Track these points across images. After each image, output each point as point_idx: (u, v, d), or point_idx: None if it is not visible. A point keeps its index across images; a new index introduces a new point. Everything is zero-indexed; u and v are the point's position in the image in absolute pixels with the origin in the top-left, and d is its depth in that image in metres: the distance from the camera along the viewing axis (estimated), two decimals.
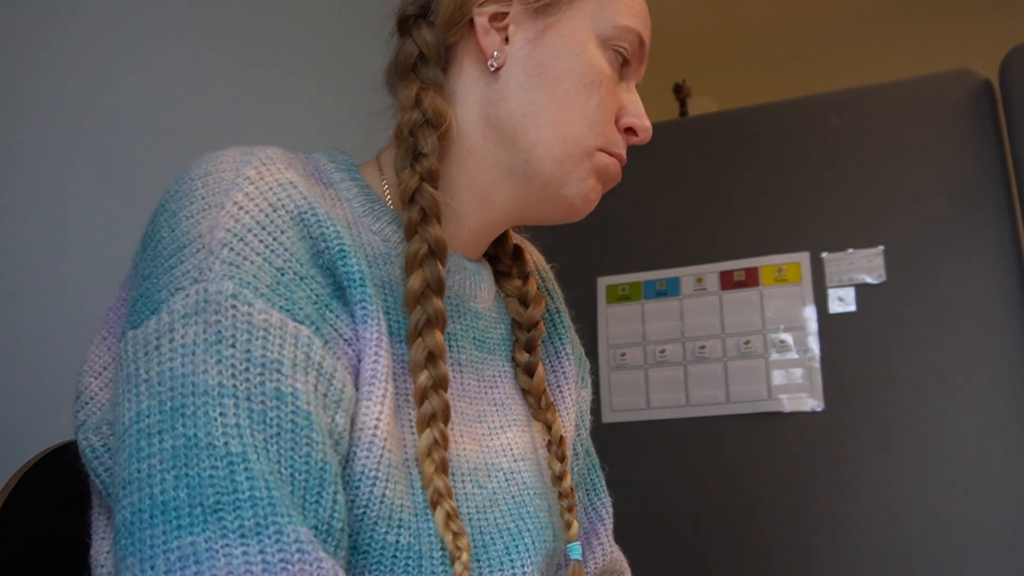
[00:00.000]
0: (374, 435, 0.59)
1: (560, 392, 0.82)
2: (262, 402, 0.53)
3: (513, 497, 0.69)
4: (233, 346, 0.54)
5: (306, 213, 0.60)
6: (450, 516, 0.61)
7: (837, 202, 1.81)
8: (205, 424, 0.52)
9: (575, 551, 0.73)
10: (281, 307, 0.56)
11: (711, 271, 1.87)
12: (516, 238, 0.84)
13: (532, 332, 0.77)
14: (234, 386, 0.53)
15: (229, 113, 1.35)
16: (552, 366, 0.83)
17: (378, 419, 0.59)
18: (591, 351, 1.92)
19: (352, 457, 0.58)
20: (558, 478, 0.75)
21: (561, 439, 0.76)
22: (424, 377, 0.63)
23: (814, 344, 1.76)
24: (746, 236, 1.87)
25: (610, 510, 0.87)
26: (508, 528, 0.67)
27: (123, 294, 0.64)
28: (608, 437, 1.88)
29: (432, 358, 0.64)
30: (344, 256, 0.61)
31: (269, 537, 0.50)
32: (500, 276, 0.80)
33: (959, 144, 1.74)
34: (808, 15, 3.10)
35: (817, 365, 1.75)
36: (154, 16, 1.22)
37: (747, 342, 1.81)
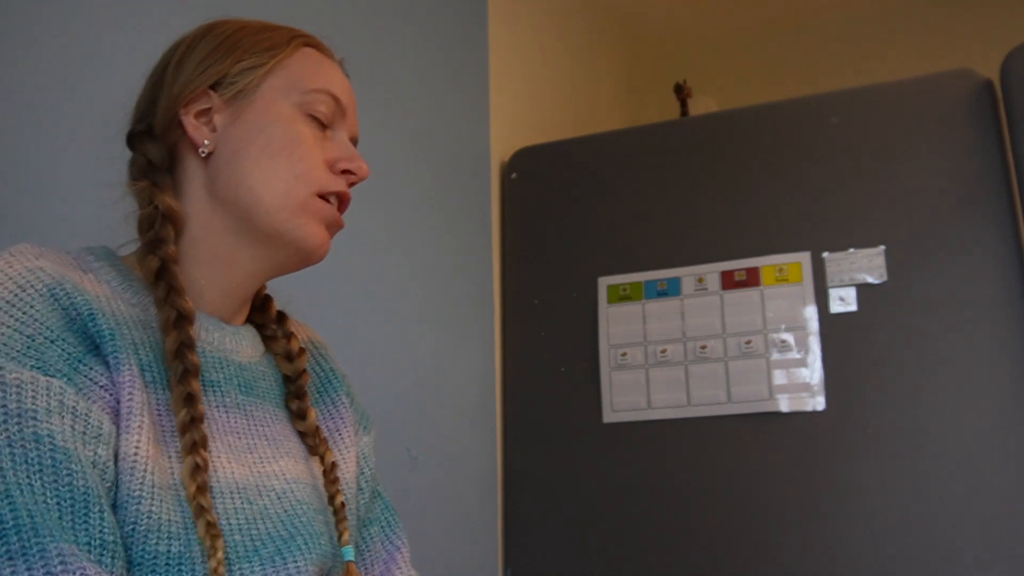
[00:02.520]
0: (135, 460, 0.70)
1: (339, 434, 0.96)
2: (22, 446, 0.64)
3: (285, 511, 0.81)
4: None
5: (55, 289, 0.71)
6: (210, 524, 0.72)
7: (837, 202, 1.81)
8: None
9: (348, 553, 0.86)
10: (32, 366, 0.67)
11: (712, 271, 1.87)
12: (277, 307, 0.97)
13: (299, 381, 0.91)
14: None
15: None
16: (330, 413, 0.97)
17: (137, 447, 0.71)
18: (592, 351, 1.92)
19: (119, 483, 0.69)
20: (331, 497, 0.88)
21: (333, 465, 0.90)
22: (184, 414, 0.75)
23: (815, 344, 1.76)
24: (747, 236, 1.87)
25: (406, 541, 0.99)
26: (280, 534, 0.79)
27: None
28: (609, 437, 1.88)
29: (190, 398, 0.76)
30: (94, 318, 0.72)
31: (33, 556, 0.60)
32: (269, 340, 0.93)
33: (959, 144, 1.74)
34: (808, 15, 3.10)
35: (818, 365, 1.75)
36: (154, 15, 1.22)
37: (748, 342, 1.81)
